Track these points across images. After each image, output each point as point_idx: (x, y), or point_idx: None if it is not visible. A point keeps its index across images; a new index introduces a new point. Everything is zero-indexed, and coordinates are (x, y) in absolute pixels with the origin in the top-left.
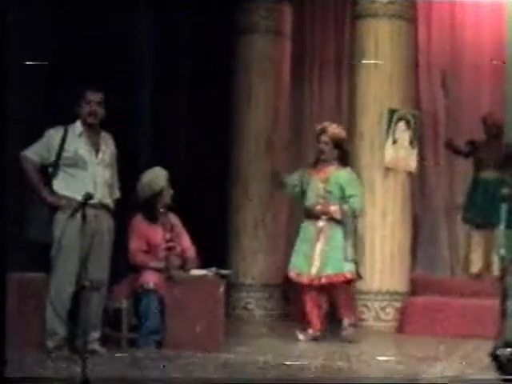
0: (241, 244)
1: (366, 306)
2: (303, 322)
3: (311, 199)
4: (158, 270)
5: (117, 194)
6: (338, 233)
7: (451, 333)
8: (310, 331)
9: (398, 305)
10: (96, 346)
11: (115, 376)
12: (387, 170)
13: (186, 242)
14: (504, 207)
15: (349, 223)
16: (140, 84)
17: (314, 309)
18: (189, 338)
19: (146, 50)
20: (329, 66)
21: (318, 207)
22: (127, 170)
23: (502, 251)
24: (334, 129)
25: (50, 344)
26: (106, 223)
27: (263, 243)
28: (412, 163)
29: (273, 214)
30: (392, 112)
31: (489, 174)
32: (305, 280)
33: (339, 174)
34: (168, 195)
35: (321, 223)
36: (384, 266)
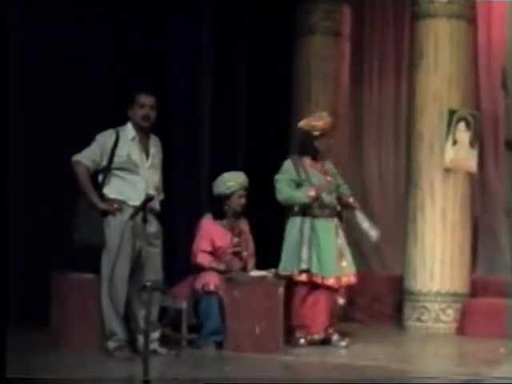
0: None
1: (425, 307)
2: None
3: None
4: (218, 272)
5: (161, 196)
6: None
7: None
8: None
9: (458, 306)
10: (156, 347)
11: (176, 376)
12: (447, 170)
13: (251, 249)
14: None
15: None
16: (200, 85)
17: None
18: (249, 340)
19: (206, 51)
20: (388, 67)
21: (345, 199)
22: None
23: None
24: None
25: (111, 345)
26: (155, 226)
27: None
28: (472, 164)
29: None
30: (452, 113)
31: None
32: (330, 282)
33: (330, 165)
34: (237, 201)
35: (335, 218)
36: (444, 267)
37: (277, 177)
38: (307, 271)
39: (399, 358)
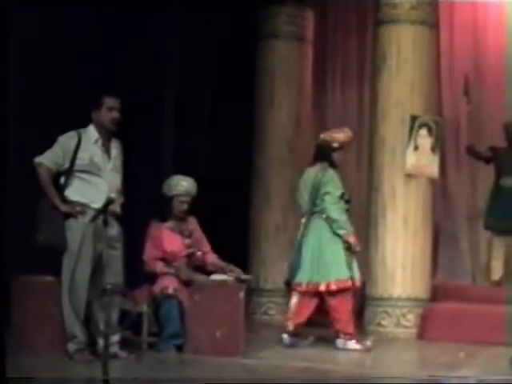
0: (261, 249)
1: (386, 312)
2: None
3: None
4: (175, 275)
5: (122, 199)
6: None
7: (472, 339)
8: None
9: (419, 311)
10: (117, 350)
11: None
12: (408, 176)
13: (205, 247)
14: None
15: None
16: (163, 87)
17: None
18: (209, 343)
19: (170, 53)
20: (351, 72)
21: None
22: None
23: None
24: None
25: (71, 347)
26: (116, 229)
27: (284, 247)
28: (434, 169)
29: (294, 217)
30: (414, 118)
31: (510, 181)
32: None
33: None
34: (178, 205)
35: None
36: (405, 272)
37: (338, 193)
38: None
39: (360, 363)
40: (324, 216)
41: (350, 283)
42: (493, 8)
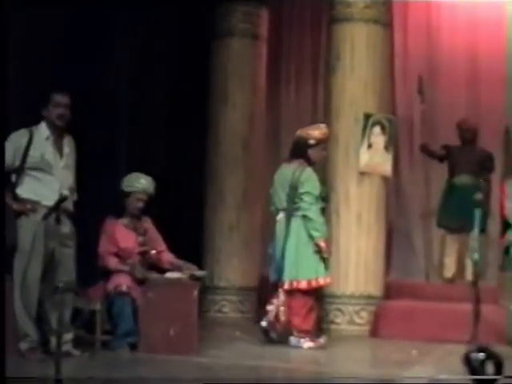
0: (215, 246)
1: (339, 309)
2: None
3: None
4: (129, 273)
5: (75, 197)
6: None
7: (425, 337)
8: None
9: (372, 309)
10: (69, 348)
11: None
12: (362, 174)
13: (160, 246)
14: (477, 212)
15: None
16: (117, 85)
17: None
18: (163, 341)
19: (123, 52)
20: (305, 70)
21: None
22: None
23: (475, 256)
24: None
25: (24, 346)
26: (68, 226)
27: (238, 246)
28: (387, 168)
29: (248, 216)
30: (367, 116)
31: (463, 179)
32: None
33: None
34: (134, 202)
35: None
36: (358, 269)
37: (311, 190)
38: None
39: (313, 360)
40: (300, 214)
41: (316, 282)
42: (446, 8)
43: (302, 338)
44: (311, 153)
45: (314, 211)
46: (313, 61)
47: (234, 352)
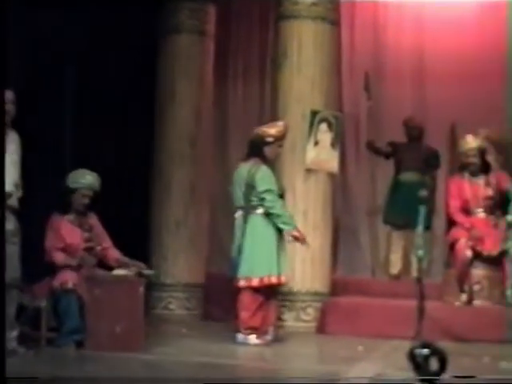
0: (162, 243)
1: (286, 306)
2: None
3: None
4: (75, 270)
5: (20, 193)
6: None
7: (371, 333)
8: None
9: (319, 305)
10: (14, 345)
11: (35, 376)
12: (308, 171)
13: (106, 242)
14: (422, 209)
15: None
16: (64, 82)
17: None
18: (109, 339)
19: (71, 49)
20: (252, 67)
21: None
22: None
23: (420, 252)
24: None
25: None
26: (13, 223)
27: (185, 242)
28: (333, 165)
29: (194, 213)
30: (314, 113)
31: (409, 176)
32: (282, 280)
33: None
34: (79, 199)
35: None
36: (305, 266)
37: (274, 187)
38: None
39: (259, 357)
40: (259, 212)
41: (268, 280)
42: (393, 7)
43: (249, 334)
44: (267, 150)
45: (278, 207)
46: (260, 58)
47: (180, 349)
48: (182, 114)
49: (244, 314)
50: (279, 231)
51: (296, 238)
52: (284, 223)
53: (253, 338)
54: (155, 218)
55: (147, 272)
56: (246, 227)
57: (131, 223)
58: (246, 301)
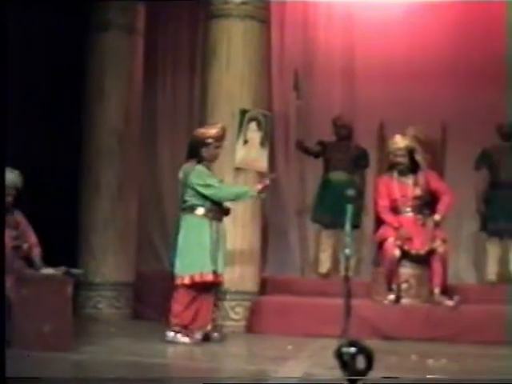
0: (90, 242)
1: (215, 305)
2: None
3: None
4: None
5: None
6: None
7: (301, 332)
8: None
9: (248, 304)
10: None
11: None
12: (238, 170)
13: (32, 239)
14: (349, 208)
15: None
16: None
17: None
18: (37, 338)
19: None
20: (182, 65)
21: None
22: None
23: (347, 251)
24: None
25: None
26: None
27: (113, 240)
28: (263, 164)
29: (123, 211)
30: (243, 112)
31: (338, 175)
32: (219, 279)
33: None
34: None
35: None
36: (234, 265)
37: (207, 181)
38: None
39: (189, 356)
40: (197, 212)
41: (200, 277)
42: (323, 6)
43: (178, 331)
44: (205, 151)
45: (222, 192)
46: (190, 56)
47: (109, 348)
48: (110, 111)
49: (175, 310)
50: (217, 231)
51: (264, 188)
52: (245, 193)
53: (181, 337)
54: (83, 216)
55: (75, 271)
56: (181, 226)
57: (59, 221)
58: (178, 297)
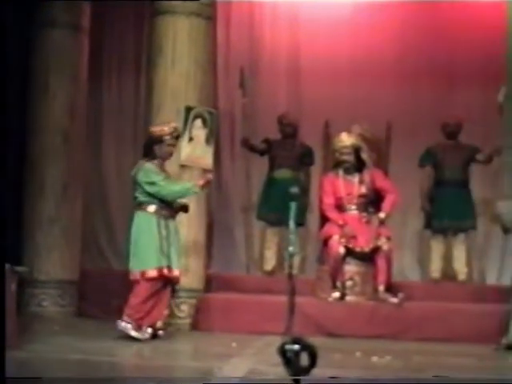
0: (35, 239)
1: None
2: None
3: None
4: None
5: None
6: None
7: (246, 329)
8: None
9: (193, 302)
10: None
11: None
12: (183, 167)
13: None
14: (293, 206)
15: None
16: None
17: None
18: None
19: None
20: (128, 62)
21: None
22: None
23: (291, 249)
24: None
25: None
26: None
27: (58, 238)
28: (208, 161)
29: (68, 209)
30: (188, 109)
31: (283, 173)
32: (173, 274)
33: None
34: None
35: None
36: (178, 262)
37: (153, 179)
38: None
39: (135, 354)
40: (148, 209)
41: (149, 274)
42: (268, 5)
43: (129, 323)
44: (157, 148)
45: (165, 190)
46: (135, 53)
47: (54, 346)
48: (55, 108)
49: (132, 302)
50: (167, 227)
51: (206, 184)
52: (187, 190)
53: (132, 330)
54: (28, 213)
55: (20, 268)
56: (133, 223)
57: (3, 219)
58: (136, 291)
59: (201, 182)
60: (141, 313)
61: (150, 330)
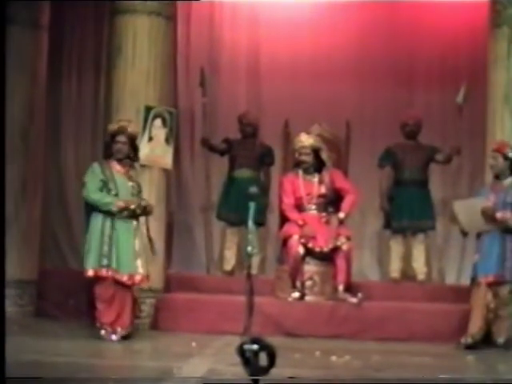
0: None
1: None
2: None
3: (125, 196)
4: None
5: None
6: None
7: (205, 329)
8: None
9: (153, 301)
10: None
11: None
12: (142, 166)
13: None
14: (252, 205)
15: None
16: None
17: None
18: None
19: None
20: (87, 61)
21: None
22: None
23: (249, 248)
24: (133, 128)
25: None
26: None
27: (17, 238)
28: (168, 160)
29: (26, 208)
30: (148, 109)
31: (243, 173)
32: (124, 278)
33: (134, 171)
34: None
35: (134, 220)
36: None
37: (86, 179)
38: (108, 267)
39: (93, 353)
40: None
41: (100, 272)
42: (228, 4)
43: (105, 329)
44: (112, 147)
45: (91, 198)
46: (95, 52)
47: (13, 346)
48: (13, 107)
49: (99, 308)
50: (113, 227)
51: (124, 209)
52: (103, 205)
53: (109, 335)
54: None
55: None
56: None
57: None
58: (96, 294)
59: (121, 205)
60: (109, 317)
61: (122, 332)
